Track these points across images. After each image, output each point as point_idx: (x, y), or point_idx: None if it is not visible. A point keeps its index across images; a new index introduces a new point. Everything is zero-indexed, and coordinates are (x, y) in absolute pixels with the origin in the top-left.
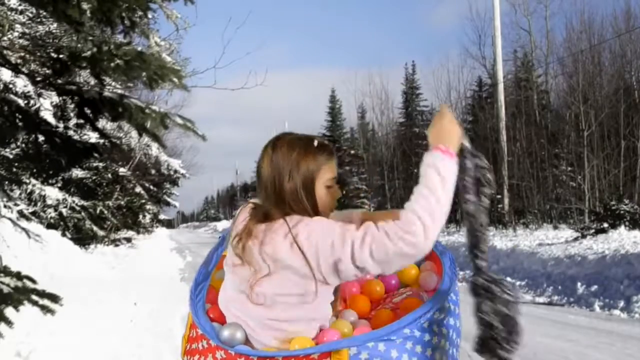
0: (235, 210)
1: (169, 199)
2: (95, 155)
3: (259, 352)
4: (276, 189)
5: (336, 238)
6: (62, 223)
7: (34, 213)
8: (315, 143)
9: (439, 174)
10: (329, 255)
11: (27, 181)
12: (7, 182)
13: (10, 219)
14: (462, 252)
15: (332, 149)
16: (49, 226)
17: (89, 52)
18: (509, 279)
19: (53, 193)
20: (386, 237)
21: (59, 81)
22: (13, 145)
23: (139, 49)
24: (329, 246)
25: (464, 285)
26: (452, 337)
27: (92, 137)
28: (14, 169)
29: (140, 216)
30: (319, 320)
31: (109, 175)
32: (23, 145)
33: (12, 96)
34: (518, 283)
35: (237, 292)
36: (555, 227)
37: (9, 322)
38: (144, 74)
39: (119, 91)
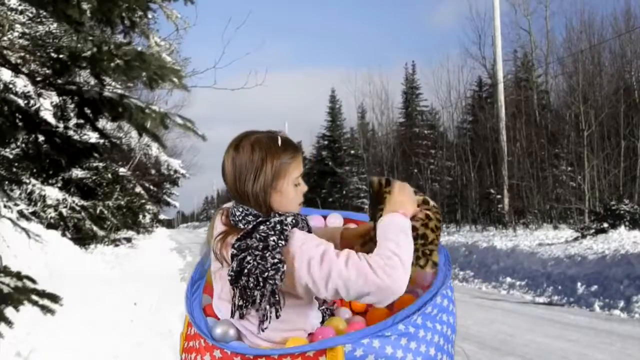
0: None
1: (169, 199)
2: (95, 155)
3: (255, 350)
4: (239, 191)
5: (316, 257)
6: (62, 223)
7: (34, 213)
8: (279, 141)
9: (401, 228)
10: (305, 274)
11: (27, 181)
12: (7, 182)
13: (10, 219)
14: (462, 252)
15: (296, 146)
16: (49, 226)
17: (89, 52)
18: (509, 279)
19: (53, 193)
20: (369, 267)
21: (59, 81)
22: (13, 145)
23: (139, 49)
24: (306, 265)
25: (464, 285)
26: (446, 334)
27: (92, 137)
28: (14, 169)
29: (140, 216)
30: (305, 331)
31: (109, 175)
32: (23, 145)
33: (12, 96)
34: (518, 283)
35: (221, 300)
36: (555, 227)
37: (9, 322)
38: (144, 74)
39: (119, 91)
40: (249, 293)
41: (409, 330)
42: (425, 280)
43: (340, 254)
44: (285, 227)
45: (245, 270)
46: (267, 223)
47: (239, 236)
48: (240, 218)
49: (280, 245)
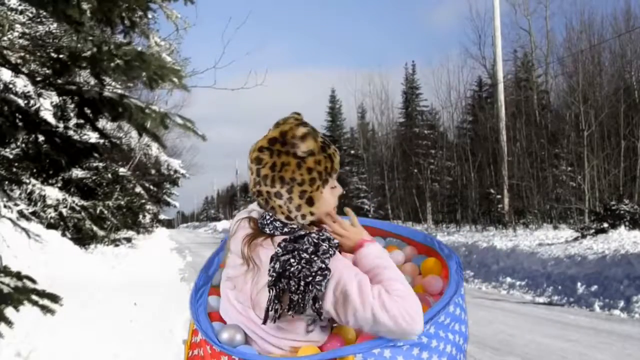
0: (236, 210)
1: (169, 199)
2: (95, 155)
3: (263, 357)
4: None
5: (352, 286)
6: (62, 223)
7: (34, 213)
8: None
9: (388, 264)
10: (330, 295)
11: (27, 181)
12: (7, 182)
13: (10, 219)
14: (462, 252)
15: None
16: (49, 226)
17: (89, 52)
18: (509, 279)
19: (53, 193)
20: (398, 310)
21: (59, 81)
22: (13, 145)
23: (139, 49)
24: (332, 288)
25: (466, 285)
26: (459, 343)
27: (92, 137)
28: (14, 169)
29: (140, 216)
30: (314, 344)
31: (109, 175)
32: (23, 145)
33: (12, 96)
34: (518, 283)
35: (237, 303)
36: (555, 227)
37: (9, 322)
38: (144, 74)
39: (119, 91)
40: (290, 297)
41: (422, 340)
42: (436, 288)
43: (373, 290)
44: (332, 244)
45: (288, 273)
46: (320, 234)
47: (287, 237)
48: (269, 222)
49: (331, 253)
